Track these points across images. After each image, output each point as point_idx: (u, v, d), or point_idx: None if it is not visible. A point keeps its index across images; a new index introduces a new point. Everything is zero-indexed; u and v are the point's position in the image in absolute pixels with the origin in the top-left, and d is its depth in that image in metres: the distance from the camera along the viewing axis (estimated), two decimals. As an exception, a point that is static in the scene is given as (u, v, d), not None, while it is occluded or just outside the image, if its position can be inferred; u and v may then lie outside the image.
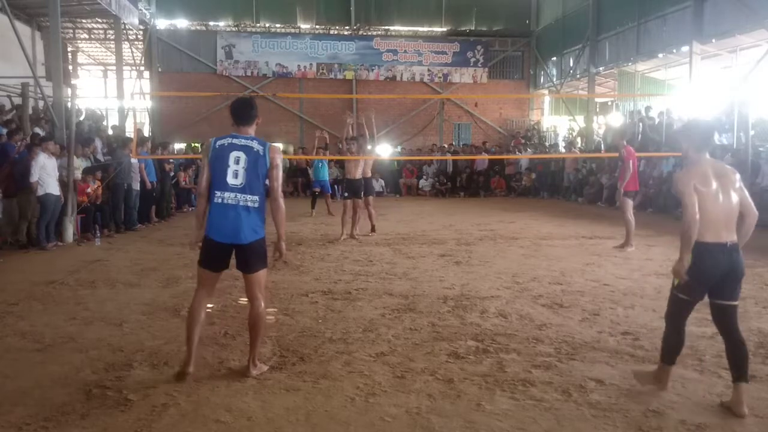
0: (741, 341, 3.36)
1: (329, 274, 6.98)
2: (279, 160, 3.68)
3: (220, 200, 3.61)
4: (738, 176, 3.41)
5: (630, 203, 8.93)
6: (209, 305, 5.43)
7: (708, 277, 3.30)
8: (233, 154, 3.60)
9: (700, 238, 3.26)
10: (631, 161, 8.75)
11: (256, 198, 3.63)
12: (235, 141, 3.65)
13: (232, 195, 3.60)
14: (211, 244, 3.64)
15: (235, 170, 3.59)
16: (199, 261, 3.74)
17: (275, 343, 4.40)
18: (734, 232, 3.32)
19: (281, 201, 3.68)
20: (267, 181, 3.74)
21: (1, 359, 4.13)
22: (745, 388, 3.26)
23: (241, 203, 3.60)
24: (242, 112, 3.74)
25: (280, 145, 20.35)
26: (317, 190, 13.39)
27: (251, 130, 3.77)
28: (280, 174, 3.70)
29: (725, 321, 3.38)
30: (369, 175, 10.04)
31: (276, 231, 3.75)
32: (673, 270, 3.35)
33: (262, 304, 3.77)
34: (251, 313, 3.76)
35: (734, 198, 3.32)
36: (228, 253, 3.67)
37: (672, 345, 3.51)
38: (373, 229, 10.24)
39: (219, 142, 3.67)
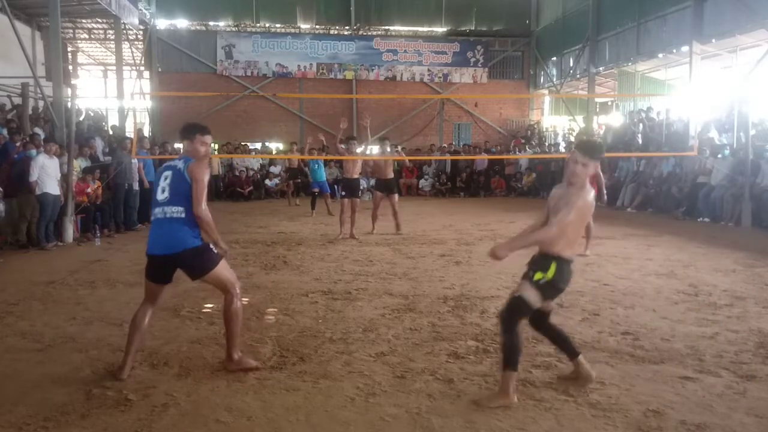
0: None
1: (329, 274, 6.98)
2: (200, 175, 3.78)
3: (153, 217, 3.89)
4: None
5: None
6: (208, 305, 5.46)
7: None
8: (164, 174, 3.90)
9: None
10: None
11: (181, 209, 3.78)
12: (170, 162, 3.98)
13: (160, 209, 3.83)
14: (150, 257, 3.86)
15: (163, 187, 3.85)
16: (145, 273, 3.94)
17: (275, 343, 4.40)
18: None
19: (203, 213, 3.77)
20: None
21: (1, 359, 4.13)
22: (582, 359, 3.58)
23: (167, 215, 3.79)
24: (181, 133, 4.06)
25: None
26: (316, 190, 13.53)
27: (188, 148, 3.98)
28: (199, 188, 3.77)
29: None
30: (391, 176, 10.36)
31: (211, 238, 3.88)
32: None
33: (234, 302, 3.87)
34: (223, 310, 3.92)
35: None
36: (166, 264, 3.83)
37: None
38: (398, 228, 10.36)
39: (162, 166, 4.02)
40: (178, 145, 19.86)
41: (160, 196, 3.84)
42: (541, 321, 3.64)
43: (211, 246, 3.87)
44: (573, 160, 3.45)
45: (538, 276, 3.43)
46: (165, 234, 3.78)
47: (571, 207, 3.36)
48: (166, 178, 3.85)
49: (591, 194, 3.50)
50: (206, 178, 3.81)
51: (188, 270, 3.85)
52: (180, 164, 3.86)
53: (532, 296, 3.42)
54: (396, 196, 10.38)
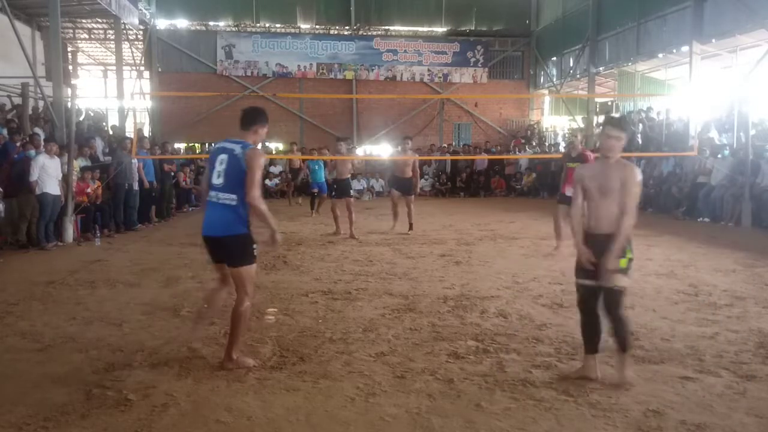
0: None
1: (329, 274, 6.98)
2: (255, 164, 3.82)
3: (209, 198, 3.95)
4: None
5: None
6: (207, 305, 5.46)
7: None
8: (219, 157, 3.90)
9: None
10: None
11: (234, 197, 3.84)
12: (225, 145, 3.96)
13: (215, 193, 3.90)
14: (203, 238, 3.99)
15: (219, 171, 3.88)
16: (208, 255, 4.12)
17: (275, 343, 4.40)
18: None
19: (255, 202, 3.81)
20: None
21: (1, 359, 4.13)
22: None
23: (220, 201, 3.87)
24: (243, 118, 4.04)
25: (277, 146, 20.17)
26: (315, 191, 13.54)
27: (248, 136, 3.98)
28: (254, 177, 3.81)
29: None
30: (408, 175, 10.52)
31: (266, 225, 3.93)
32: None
33: (245, 303, 3.92)
34: (233, 309, 3.96)
35: None
36: (213, 245, 3.96)
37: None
38: (410, 227, 10.54)
39: (214, 146, 4.11)
40: (179, 145, 19.94)
41: (216, 180, 3.88)
42: (596, 303, 3.74)
43: (254, 244, 3.93)
44: (607, 136, 3.67)
45: (623, 263, 3.69)
46: (216, 217, 3.88)
47: (633, 193, 3.68)
48: (221, 162, 3.87)
49: (636, 168, 3.75)
50: (262, 166, 3.92)
51: (228, 256, 3.92)
52: (237, 149, 3.86)
53: (626, 281, 3.71)
54: (412, 197, 10.53)
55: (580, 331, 3.83)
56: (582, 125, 18.82)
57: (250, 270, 3.93)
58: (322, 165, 13.33)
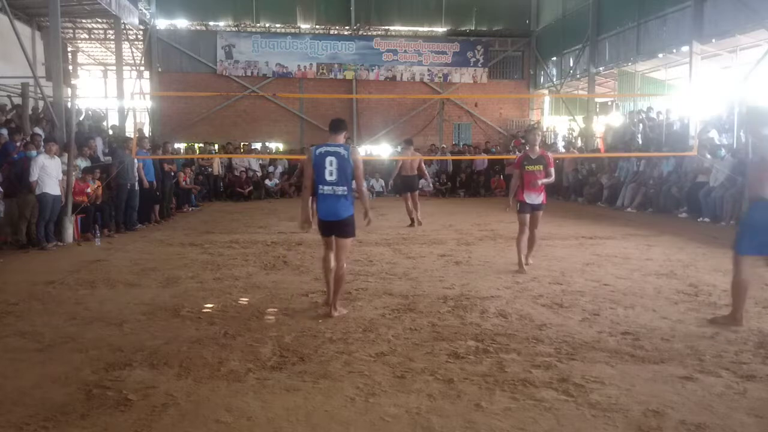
0: None
1: (329, 274, 6.97)
2: (360, 161, 5.19)
3: (322, 191, 5.08)
4: None
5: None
6: (208, 305, 5.48)
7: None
8: (328, 159, 5.04)
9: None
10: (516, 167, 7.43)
11: (345, 188, 5.07)
12: (329, 148, 5.11)
13: (330, 188, 5.05)
14: (321, 222, 5.21)
15: (330, 170, 5.03)
16: (320, 233, 5.31)
17: (275, 343, 4.40)
18: None
19: (362, 188, 5.31)
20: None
21: (1, 359, 4.13)
22: None
23: (336, 193, 5.05)
24: (334, 126, 5.27)
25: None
26: None
27: (339, 139, 5.20)
28: (360, 169, 5.17)
29: None
30: (413, 173, 11.43)
31: (364, 207, 5.26)
32: None
33: (344, 266, 5.15)
34: (335, 272, 5.17)
35: None
36: (332, 225, 5.15)
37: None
38: (417, 223, 11.38)
39: (318, 150, 5.13)
40: (179, 145, 19.95)
41: (329, 177, 5.03)
42: None
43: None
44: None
45: None
46: (333, 206, 5.06)
47: None
48: (331, 163, 5.02)
49: None
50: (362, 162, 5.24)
51: (340, 231, 5.14)
52: (342, 151, 5.07)
53: None
54: (417, 193, 11.47)
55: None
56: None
57: (351, 242, 5.26)
58: None
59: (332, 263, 5.23)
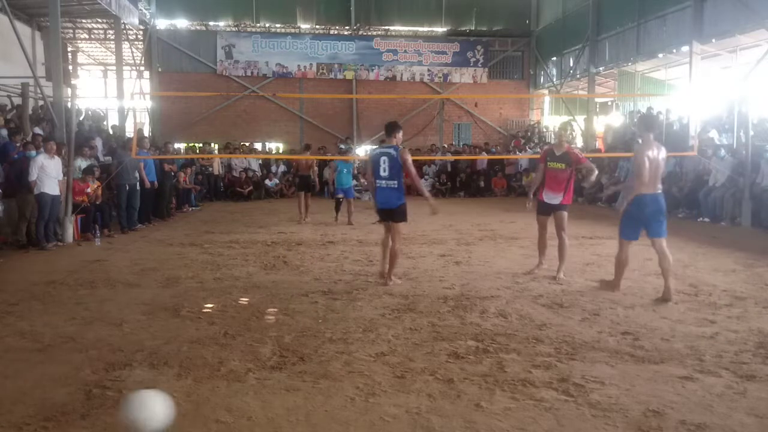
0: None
1: (329, 274, 6.98)
2: (409, 158, 6.22)
3: (379, 185, 6.25)
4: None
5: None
6: (208, 305, 5.49)
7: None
8: (382, 158, 6.21)
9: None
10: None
11: (395, 182, 6.18)
12: (383, 149, 6.32)
13: (384, 182, 6.22)
14: (379, 210, 6.43)
15: (384, 168, 6.19)
16: (378, 219, 6.85)
17: (275, 343, 4.40)
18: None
19: (418, 183, 6.51)
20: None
21: (1, 359, 4.13)
22: None
23: (389, 186, 6.21)
24: (388, 130, 6.45)
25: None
26: (340, 196, 12.21)
27: (393, 140, 6.32)
28: (410, 165, 6.21)
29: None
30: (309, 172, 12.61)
31: (425, 197, 6.44)
32: None
33: (398, 245, 6.33)
34: (391, 249, 6.33)
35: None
36: (387, 213, 6.32)
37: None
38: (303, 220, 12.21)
39: (375, 152, 6.46)
40: (179, 145, 19.95)
41: (383, 173, 6.18)
42: None
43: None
44: None
45: None
46: (387, 196, 6.21)
47: None
48: (384, 162, 6.17)
49: None
50: (410, 158, 6.28)
51: (394, 217, 6.25)
52: (392, 151, 6.19)
53: None
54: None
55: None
56: (575, 123, 18.75)
57: (404, 225, 6.37)
58: (351, 167, 12.71)
59: (389, 243, 6.34)
